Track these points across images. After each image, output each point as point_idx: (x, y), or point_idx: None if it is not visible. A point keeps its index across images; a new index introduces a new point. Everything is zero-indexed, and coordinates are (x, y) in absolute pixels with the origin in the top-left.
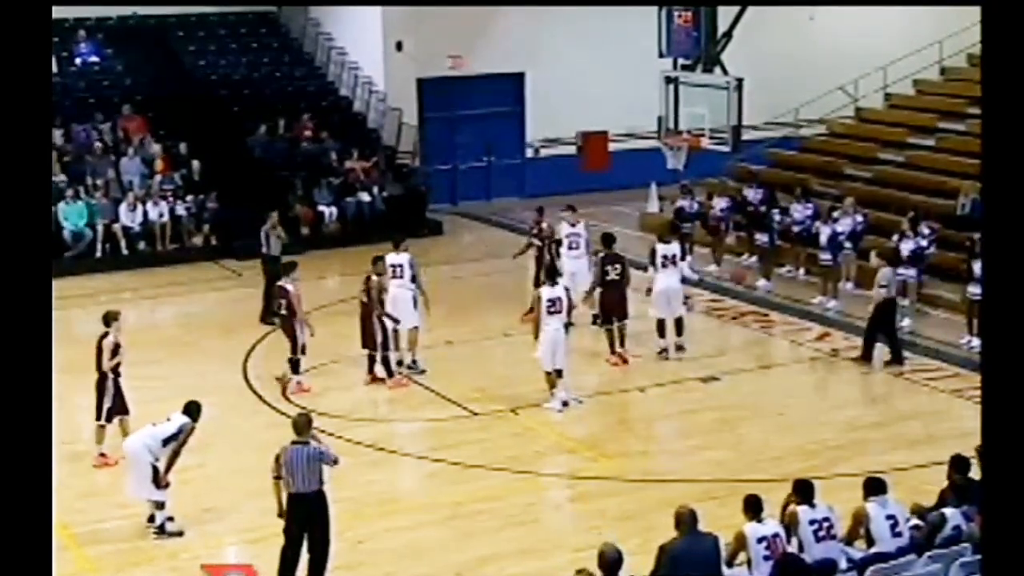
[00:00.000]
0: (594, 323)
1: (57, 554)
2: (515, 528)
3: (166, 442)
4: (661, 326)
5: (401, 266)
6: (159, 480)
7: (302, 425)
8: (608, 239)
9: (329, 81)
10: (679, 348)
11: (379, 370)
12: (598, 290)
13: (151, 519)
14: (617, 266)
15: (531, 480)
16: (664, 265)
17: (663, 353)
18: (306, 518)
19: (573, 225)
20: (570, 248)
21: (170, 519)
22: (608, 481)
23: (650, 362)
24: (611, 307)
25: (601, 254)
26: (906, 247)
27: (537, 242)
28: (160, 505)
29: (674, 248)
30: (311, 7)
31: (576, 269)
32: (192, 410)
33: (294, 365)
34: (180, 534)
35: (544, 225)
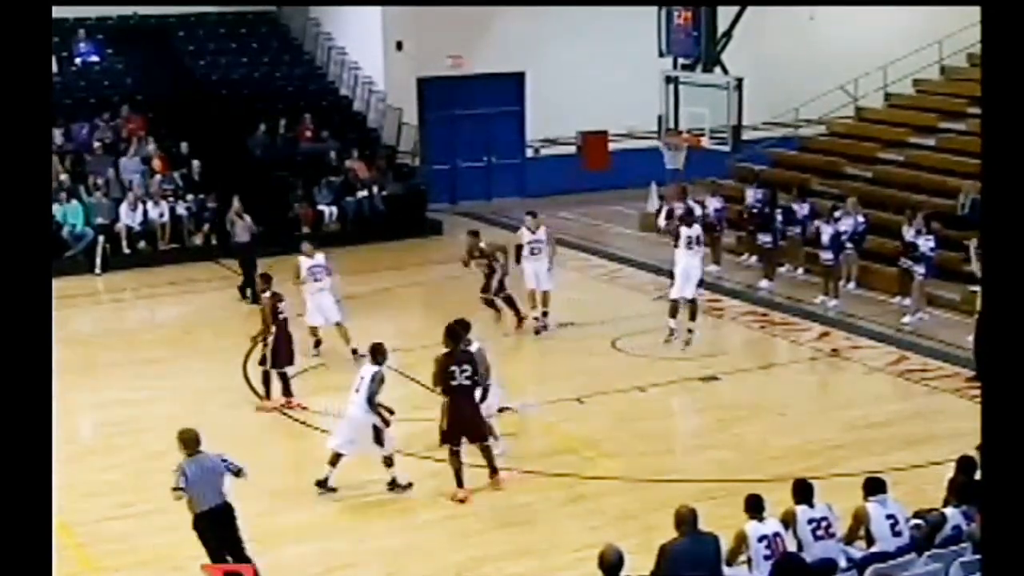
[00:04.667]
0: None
1: (57, 554)
2: (514, 528)
3: None
4: (675, 307)
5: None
6: None
7: (189, 440)
8: (453, 332)
9: (329, 81)
10: (689, 332)
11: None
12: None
13: None
14: (467, 368)
15: (531, 480)
16: (689, 247)
17: (672, 336)
18: (222, 533)
19: (534, 232)
20: (532, 254)
21: None
22: (608, 481)
23: (650, 362)
24: (462, 423)
25: (446, 351)
26: (924, 244)
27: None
28: None
29: (697, 231)
30: (311, 7)
31: (538, 269)
32: None
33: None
34: None
35: (483, 246)
